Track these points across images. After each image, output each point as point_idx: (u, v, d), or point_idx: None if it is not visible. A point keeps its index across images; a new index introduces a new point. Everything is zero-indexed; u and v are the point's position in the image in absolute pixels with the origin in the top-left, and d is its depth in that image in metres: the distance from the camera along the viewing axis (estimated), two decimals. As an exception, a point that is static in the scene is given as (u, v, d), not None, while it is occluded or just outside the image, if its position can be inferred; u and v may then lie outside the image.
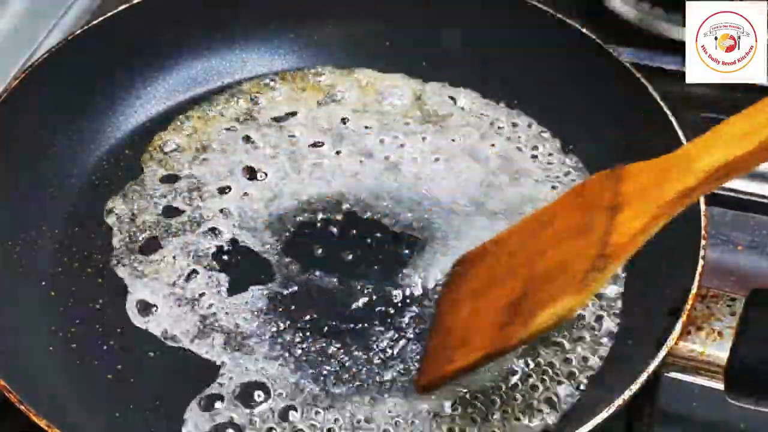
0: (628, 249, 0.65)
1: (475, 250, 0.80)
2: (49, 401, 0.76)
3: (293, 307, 0.85)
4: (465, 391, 0.79)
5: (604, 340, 0.82)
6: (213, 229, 0.90)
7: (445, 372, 0.73)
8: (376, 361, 0.81)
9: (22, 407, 0.71)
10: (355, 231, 0.91)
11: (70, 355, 0.83)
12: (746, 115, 0.62)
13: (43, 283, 0.87)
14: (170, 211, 0.92)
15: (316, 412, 0.79)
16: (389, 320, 0.84)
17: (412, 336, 0.83)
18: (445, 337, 0.76)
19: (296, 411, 0.79)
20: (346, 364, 0.81)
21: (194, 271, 0.87)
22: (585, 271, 0.64)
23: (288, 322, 0.84)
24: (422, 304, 0.85)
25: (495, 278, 0.74)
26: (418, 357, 0.81)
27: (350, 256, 0.89)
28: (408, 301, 0.85)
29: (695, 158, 0.62)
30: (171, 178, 0.94)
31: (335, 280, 0.87)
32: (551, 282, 0.66)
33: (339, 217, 0.92)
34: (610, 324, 0.83)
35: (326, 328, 0.84)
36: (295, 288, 0.86)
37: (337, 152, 0.96)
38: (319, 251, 0.89)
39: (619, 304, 0.84)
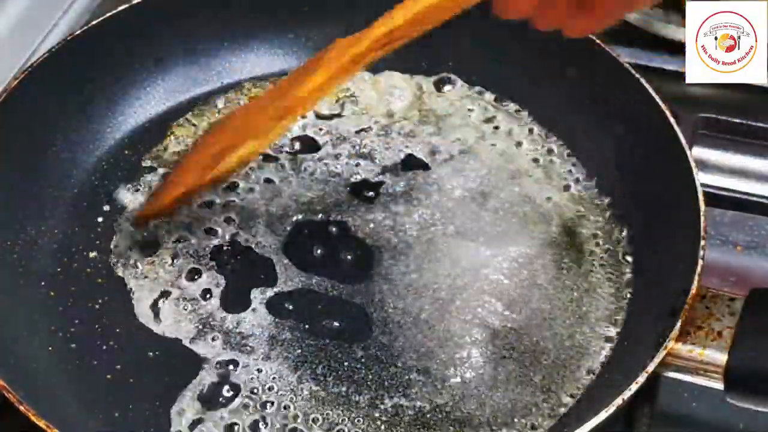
0: (306, 102, 0.81)
1: (215, 122, 0.97)
2: (49, 401, 0.76)
3: (293, 306, 0.85)
4: (459, 399, 0.79)
5: (604, 340, 0.82)
6: (213, 229, 0.90)
7: (159, 203, 0.89)
8: (376, 360, 0.81)
9: (21, 407, 0.71)
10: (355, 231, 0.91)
11: (70, 355, 0.83)
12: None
13: (43, 283, 0.87)
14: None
15: (316, 412, 0.79)
16: (389, 319, 0.84)
17: (412, 335, 0.83)
18: (167, 181, 0.91)
19: (296, 410, 0.79)
20: (346, 364, 0.81)
21: (194, 271, 0.87)
22: (269, 121, 0.82)
23: (288, 322, 0.84)
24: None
25: (216, 136, 0.89)
26: (418, 356, 0.81)
27: (350, 256, 0.89)
28: (408, 300, 0.85)
29: (366, 32, 0.77)
30: (171, 178, 0.94)
31: (335, 279, 0.87)
32: (248, 133, 0.84)
33: (339, 217, 0.92)
34: (609, 324, 0.83)
35: (326, 328, 0.84)
36: (295, 288, 0.86)
37: (337, 153, 0.96)
38: (319, 251, 0.89)
39: (619, 303, 0.84)
